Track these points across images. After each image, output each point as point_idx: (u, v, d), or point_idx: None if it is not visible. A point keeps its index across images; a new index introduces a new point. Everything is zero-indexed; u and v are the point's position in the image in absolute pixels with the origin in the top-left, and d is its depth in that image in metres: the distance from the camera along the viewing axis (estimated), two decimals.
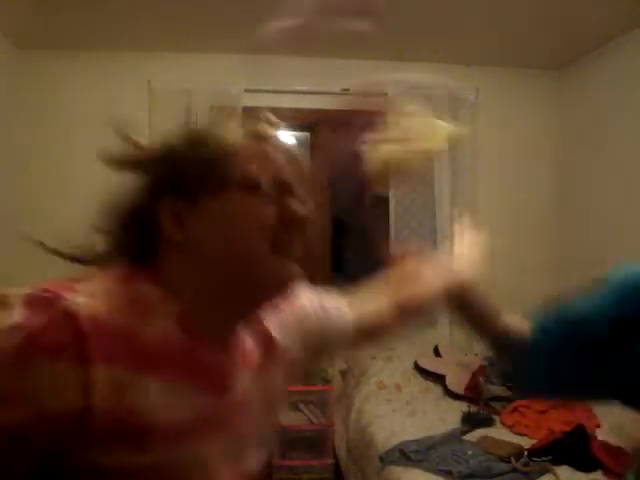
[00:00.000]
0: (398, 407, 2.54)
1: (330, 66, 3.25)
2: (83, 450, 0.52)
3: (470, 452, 1.97)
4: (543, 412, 2.35)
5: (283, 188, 0.63)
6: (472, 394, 2.64)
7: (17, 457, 0.51)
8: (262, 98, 3.19)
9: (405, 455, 1.96)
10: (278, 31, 2.76)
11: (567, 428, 2.10)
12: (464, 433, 2.20)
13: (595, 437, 2.07)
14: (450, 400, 2.66)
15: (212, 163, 0.61)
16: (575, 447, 1.94)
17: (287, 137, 3.72)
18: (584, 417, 2.29)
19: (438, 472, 1.85)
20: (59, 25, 2.74)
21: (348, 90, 3.25)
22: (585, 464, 1.87)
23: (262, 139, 0.67)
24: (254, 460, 0.72)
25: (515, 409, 2.40)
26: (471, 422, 2.31)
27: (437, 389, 2.76)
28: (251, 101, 3.14)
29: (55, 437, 0.50)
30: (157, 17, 2.65)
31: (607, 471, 1.82)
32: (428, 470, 1.87)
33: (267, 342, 0.71)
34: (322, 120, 3.30)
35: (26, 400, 0.48)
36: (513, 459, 1.89)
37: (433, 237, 3.21)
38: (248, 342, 0.68)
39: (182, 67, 3.11)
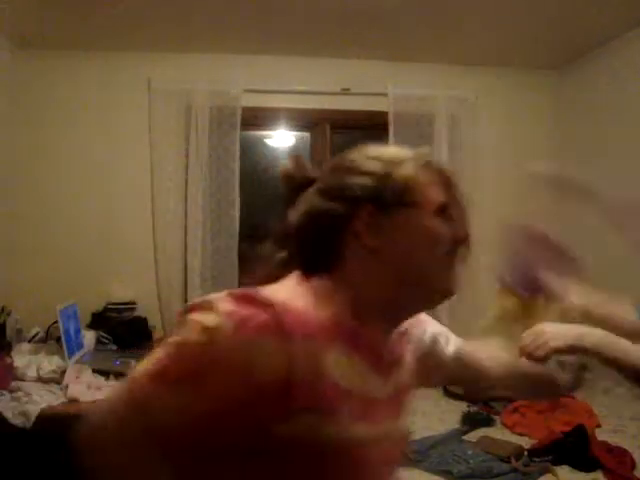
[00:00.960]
0: None
1: (330, 66, 3.25)
2: (280, 422, 0.59)
3: (470, 452, 1.97)
4: (543, 412, 2.35)
5: (455, 211, 0.74)
6: (472, 394, 2.64)
7: (235, 435, 0.59)
8: (262, 98, 3.20)
9: (405, 455, 1.96)
10: (278, 31, 2.76)
11: (567, 428, 2.10)
12: (464, 433, 2.20)
13: (595, 437, 2.07)
14: (450, 400, 2.65)
15: (408, 185, 0.71)
16: (575, 447, 1.94)
17: (287, 137, 3.72)
18: (584, 417, 2.29)
19: (438, 472, 1.85)
20: (59, 25, 2.74)
21: (348, 90, 3.26)
22: (585, 464, 1.87)
23: (434, 168, 0.75)
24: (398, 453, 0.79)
25: (515, 409, 2.39)
26: (471, 422, 2.31)
27: (437, 389, 2.76)
28: (251, 101, 3.14)
29: (263, 409, 0.58)
30: (157, 17, 2.65)
31: (607, 471, 1.82)
32: (428, 470, 1.88)
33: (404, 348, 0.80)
34: (322, 120, 3.30)
35: (242, 372, 0.57)
36: (513, 459, 1.89)
37: None
38: (398, 344, 0.77)
39: (182, 67, 3.11)
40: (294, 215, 0.76)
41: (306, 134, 3.44)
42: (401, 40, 2.94)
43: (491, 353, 0.98)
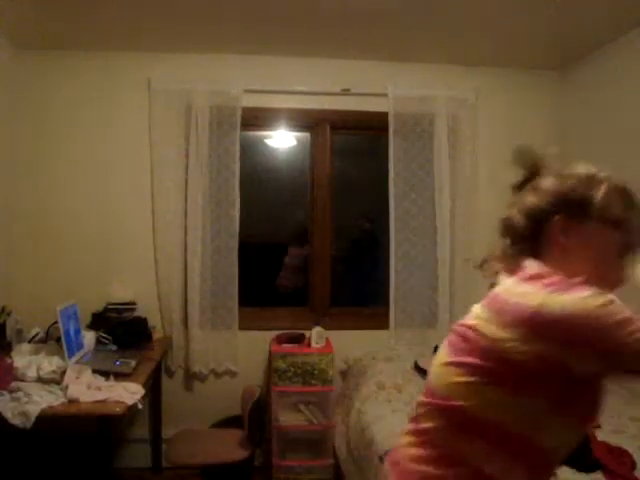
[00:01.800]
0: (398, 407, 2.53)
1: (330, 66, 3.25)
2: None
3: None
4: None
5: (631, 224, 0.95)
6: None
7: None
8: (262, 98, 3.20)
9: None
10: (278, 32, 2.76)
11: None
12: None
13: (595, 437, 2.07)
14: None
15: (599, 202, 0.93)
16: (575, 447, 1.93)
17: (287, 137, 3.72)
18: None
19: None
20: (59, 25, 2.74)
21: (348, 90, 3.26)
22: (585, 464, 1.86)
23: (620, 188, 0.96)
24: None
25: None
26: None
27: None
28: (251, 101, 3.14)
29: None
30: (157, 17, 2.65)
31: (607, 471, 1.82)
32: None
33: None
34: (322, 120, 3.30)
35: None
36: None
37: (433, 237, 3.21)
38: None
39: (182, 67, 3.12)
40: (512, 211, 1.01)
41: (306, 134, 3.44)
42: (401, 40, 2.94)
43: None
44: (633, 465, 1.86)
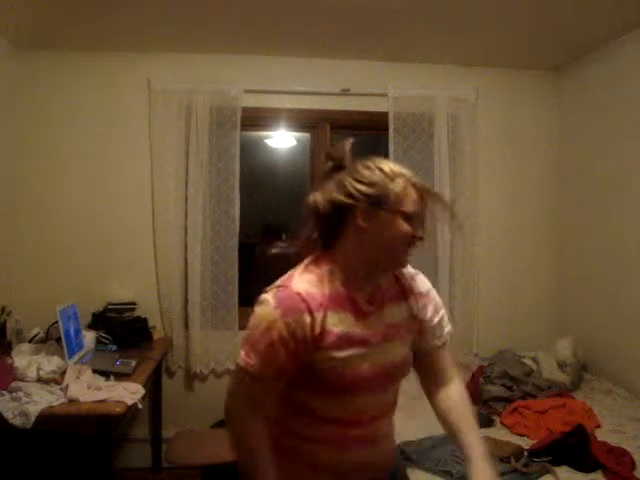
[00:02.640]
0: (398, 407, 2.53)
1: (330, 66, 3.25)
2: (311, 356, 1.06)
3: None
4: (543, 412, 2.35)
5: (418, 218, 1.11)
6: (472, 394, 2.63)
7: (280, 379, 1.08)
8: (262, 98, 3.20)
9: (405, 455, 1.96)
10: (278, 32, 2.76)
11: (567, 428, 2.09)
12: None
13: (595, 437, 2.07)
14: None
15: (393, 196, 1.08)
16: (575, 447, 1.93)
17: (287, 137, 3.72)
18: (584, 417, 2.28)
19: (438, 472, 1.85)
20: (59, 25, 2.74)
21: (348, 90, 3.26)
22: (585, 464, 1.87)
23: (418, 186, 1.11)
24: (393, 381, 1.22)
25: (515, 409, 2.39)
26: None
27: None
28: (251, 101, 3.14)
29: (301, 352, 1.05)
30: (157, 18, 2.65)
31: (607, 471, 1.82)
32: (428, 470, 1.87)
33: (403, 293, 1.22)
34: (322, 120, 3.30)
35: (289, 339, 1.03)
36: (513, 459, 1.89)
37: (433, 238, 3.21)
38: (388, 293, 1.19)
39: (182, 67, 3.12)
40: (318, 198, 1.13)
41: (306, 134, 3.44)
42: (401, 40, 2.94)
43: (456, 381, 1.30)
44: (633, 465, 1.86)
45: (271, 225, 3.94)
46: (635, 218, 2.72)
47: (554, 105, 3.39)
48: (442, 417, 1.26)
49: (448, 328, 1.29)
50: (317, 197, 1.13)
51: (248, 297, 3.27)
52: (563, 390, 2.65)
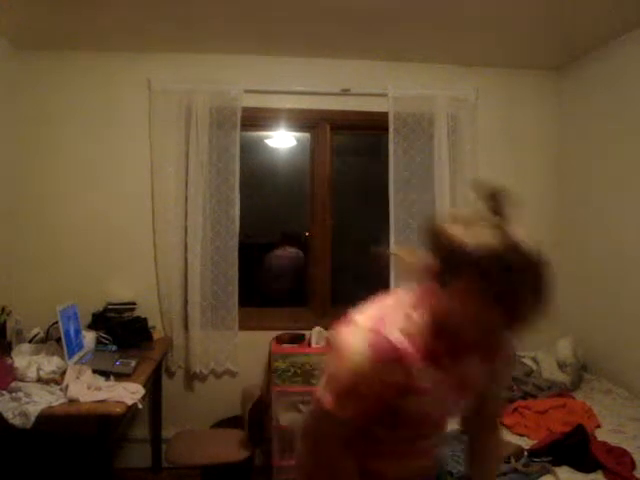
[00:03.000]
0: None
1: (330, 66, 3.25)
2: (400, 400, 1.03)
3: None
4: (543, 412, 2.35)
5: (519, 299, 0.89)
6: None
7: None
8: (262, 98, 3.20)
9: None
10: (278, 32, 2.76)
11: (567, 428, 2.09)
12: (464, 433, 2.19)
13: (595, 437, 2.07)
14: None
15: (481, 268, 0.88)
16: (575, 447, 1.93)
17: (287, 137, 3.72)
18: (584, 417, 2.28)
19: (438, 472, 1.84)
20: (59, 25, 2.74)
21: (348, 90, 3.26)
22: (585, 464, 1.87)
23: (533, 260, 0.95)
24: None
25: (515, 409, 2.39)
26: None
27: None
28: (251, 101, 3.14)
29: (389, 397, 1.02)
30: (157, 18, 2.65)
31: (607, 471, 1.82)
32: None
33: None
34: (322, 120, 3.30)
35: (378, 384, 0.99)
36: (513, 459, 1.89)
37: None
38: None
39: (182, 67, 3.12)
40: (460, 233, 0.93)
41: (306, 134, 3.44)
42: (401, 40, 2.94)
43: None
44: (633, 465, 1.86)
45: (287, 232, 4.09)
46: (635, 218, 2.72)
47: (554, 105, 3.39)
48: (470, 456, 1.30)
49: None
50: (459, 232, 0.92)
51: (248, 297, 3.28)
52: (563, 390, 2.65)
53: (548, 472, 1.83)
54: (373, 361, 0.97)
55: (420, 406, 1.05)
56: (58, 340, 2.41)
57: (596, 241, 3.05)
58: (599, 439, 2.05)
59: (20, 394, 2.01)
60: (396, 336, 0.99)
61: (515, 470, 1.84)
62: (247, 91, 3.12)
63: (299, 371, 2.89)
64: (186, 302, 3.08)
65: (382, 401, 1.02)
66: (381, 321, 1.01)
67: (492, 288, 0.87)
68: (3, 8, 2.47)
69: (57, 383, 2.13)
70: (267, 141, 3.83)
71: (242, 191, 3.11)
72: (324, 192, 3.35)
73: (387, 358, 0.98)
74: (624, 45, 2.79)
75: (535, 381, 2.70)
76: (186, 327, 3.09)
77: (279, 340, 3.05)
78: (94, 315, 2.92)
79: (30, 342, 2.56)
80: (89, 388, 2.09)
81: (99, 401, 2.01)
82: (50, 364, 2.19)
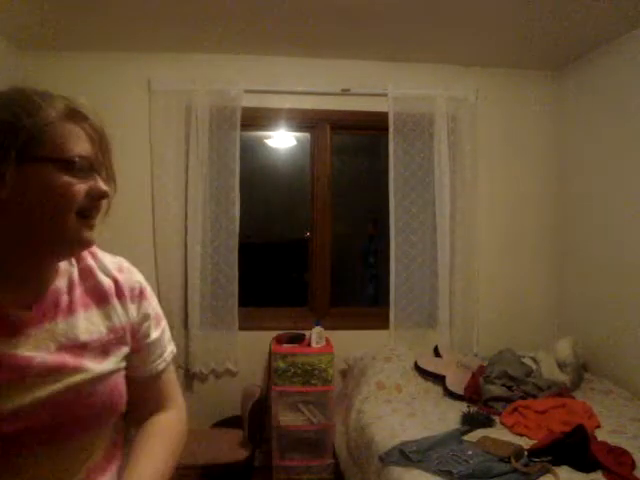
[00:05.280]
0: (398, 407, 2.54)
1: (330, 66, 3.25)
2: None
3: (470, 452, 1.96)
4: (543, 412, 2.35)
5: (93, 168, 0.74)
6: (472, 394, 2.64)
7: None
8: (262, 98, 3.20)
9: (405, 455, 1.96)
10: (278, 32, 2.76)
11: (567, 428, 2.09)
12: (464, 433, 2.20)
13: (595, 437, 2.07)
14: (450, 400, 2.65)
15: (41, 136, 0.68)
16: (575, 447, 1.93)
17: (287, 137, 3.72)
18: (584, 417, 2.28)
19: (438, 472, 1.85)
20: (59, 25, 2.74)
21: (348, 90, 3.26)
22: (585, 464, 1.87)
23: (81, 116, 0.75)
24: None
25: (515, 409, 2.39)
26: (471, 422, 2.31)
27: (437, 389, 2.76)
28: (251, 101, 3.14)
29: None
30: (157, 18, 2.65)
31: (607, 471, 1.82)
32: (428, 470, 1.87)
33: (100, 295, 0.87)
34: (322, 120, 3.30)
35: None
36: (513, 459, 1.89)
37: (433, 237, 3.21)
38: (71, 295, 0.81)
39: (182, 67, 3.12)
40: None
41: (306, 134, 3.44)
42: (401, 40, 2.94)
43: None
44: (633, 465, 1.86)
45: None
46: (636, 218, 2.72)
47: (554, 105, 3.39)
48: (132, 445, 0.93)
49: (171, 347, 1.02)
50: None
51: (248, 297, 3.28)
52: (563, 390, 2.65)
53: (548, 472, 1.83)
54: None
55: None
56: None
57: (596, 241, 3.05)
58: (599, 439, 2.05)
59: None
60: None
61: (515, 470, 1.84)
62: (247, 91, 3.12)
63: (299, 371, 2.89)
64: (186, 302, 3.08)
65: None
66: None
67: None
68: (3, 8, 2.47)
69: None
70: (267, 141, 3.83)
71: (242, 191, 3.11)
72: (324, 192, 3.35)
73: None
74: (624, 45, 2.79)
75: (535, 381, 2.70)
76: (186, 327, 3.09)
77: (279, 340, 3.05)
78: None
79: None
80: None
81: None
82: None
